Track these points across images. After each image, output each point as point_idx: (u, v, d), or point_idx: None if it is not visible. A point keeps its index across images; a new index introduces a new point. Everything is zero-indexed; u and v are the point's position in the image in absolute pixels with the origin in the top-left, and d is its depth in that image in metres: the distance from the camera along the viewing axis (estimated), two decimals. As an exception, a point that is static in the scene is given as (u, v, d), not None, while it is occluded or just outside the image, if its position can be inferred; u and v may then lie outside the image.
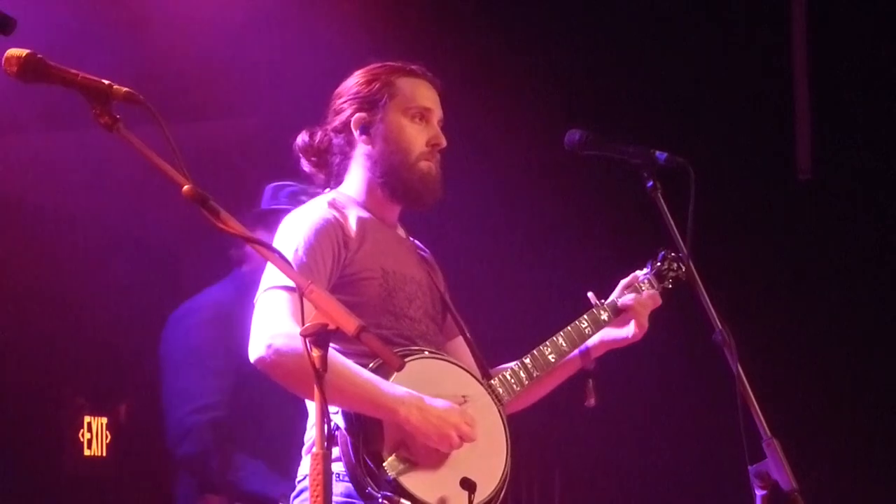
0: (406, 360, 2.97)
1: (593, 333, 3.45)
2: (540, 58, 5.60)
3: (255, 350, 2.96)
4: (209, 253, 4.45)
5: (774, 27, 5.66)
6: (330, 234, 3.11)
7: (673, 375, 5.42)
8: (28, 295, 5.00)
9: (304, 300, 2.33)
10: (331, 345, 2.35)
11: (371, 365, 2.99)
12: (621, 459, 5.65)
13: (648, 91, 5.58)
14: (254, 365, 4.11)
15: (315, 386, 2.31)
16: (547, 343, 3.36)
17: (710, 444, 5.10)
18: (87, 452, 5.28)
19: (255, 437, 4.09)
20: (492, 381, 3.24)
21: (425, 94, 3.31)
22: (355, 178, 3.30)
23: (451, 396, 3.06)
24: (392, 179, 3.26)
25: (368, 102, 3.26)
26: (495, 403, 3.19)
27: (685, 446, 5.47)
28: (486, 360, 3.35)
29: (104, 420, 5.34)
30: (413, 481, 2.92)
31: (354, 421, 2.95)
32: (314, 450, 2.31)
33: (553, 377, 3.42)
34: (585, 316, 3.45)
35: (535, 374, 3.31)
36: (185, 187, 2.29)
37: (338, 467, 2.92)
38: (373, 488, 2.89)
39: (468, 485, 2.96)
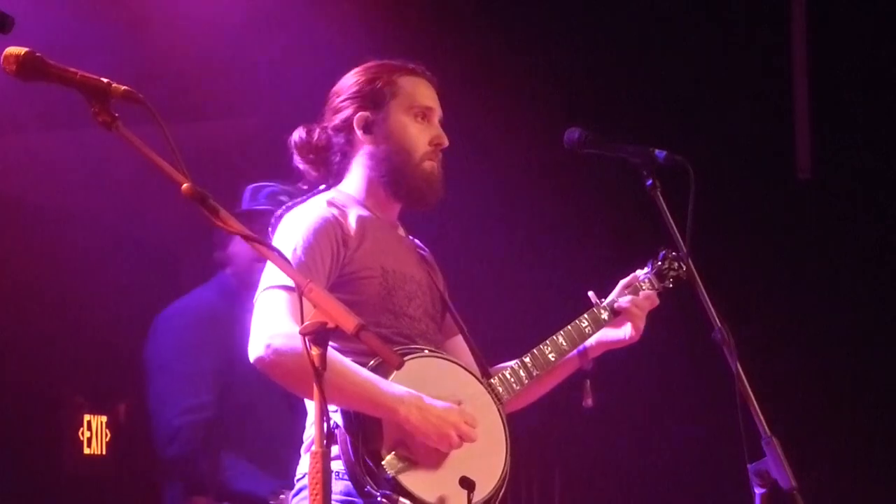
0: (405, 358, 2.96)
1: (593, 333, 3.44)
2: (540, 58, 5.61)
3: (255, 350, 2.96)
4: (209, 252, 4.45)
5: (774, 27, 5.66)
6: (329, 232, 3.11)
7: (672, 374, 5.42)
8: (28, 294, 5.01)
9: (304, 299, 2.33)
10: (330, 343, 2.35)
11: (370, 363, 2.98)
12: (621, 458, 5.65)
13: (648, 90, 5.58)
14: (250, 364, 4.13)
15: (314, 385, 2.31)
16: (547, 342, 3.36)
17: (710, 442, 5.10)
18: (86, 451, 5.28)
19: (244, 437, 4.09)
20: (491, 380, 3.24)
21: (426, 93, 3.31)
22: (356, 177, 3.29)
23: (450, 395, 3.06)
24: (395, 179, 3.26)
25: (371, 101, 3.26)
26: (495, 402, 3.19)
27: (685, 445, 5.48)
28: (486, 359, 3.35)
29: (104, 418, 5.34)
30: (412, 480, 2.92)
31: (354, 419, 2.95)
32: (313, 448, 2.31)
33: (552, 377, 3.42)
34: (586, 315, 3.45)
35: (534, 374, 3.30)
36: (185, 186, 2.29)
37: (337, 466, 2.92)
38: (372, 487, 2.89)
39: (467, 484, 2.96)
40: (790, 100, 5.63)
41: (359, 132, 3.27)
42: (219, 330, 4.13)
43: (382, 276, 3.16)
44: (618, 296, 3.51)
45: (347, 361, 2.94)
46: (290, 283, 2.52)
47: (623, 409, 5.16)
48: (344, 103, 3.29)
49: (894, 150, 5.53)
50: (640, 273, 3.58)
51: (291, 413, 4.11)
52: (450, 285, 3.46)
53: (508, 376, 3.27)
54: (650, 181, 3.29)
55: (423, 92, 3.31)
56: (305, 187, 3.32)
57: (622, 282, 3.56)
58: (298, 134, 3.32)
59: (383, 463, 2.91)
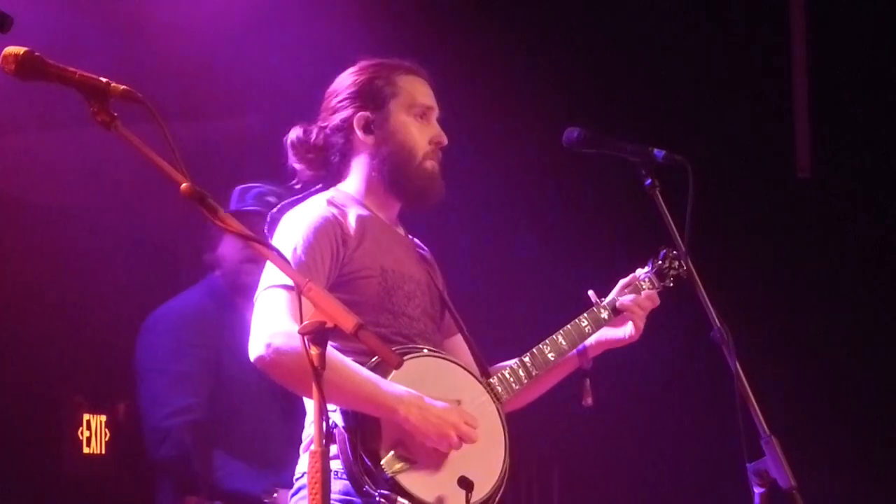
0: (404, 358, 2.97)
1: (593, 332, 3.44)
2: (540, 58, 5.61)
3: (255, 349, 2.96)
4: (199, 254, 4.46)
5: (774, 26, 5.67)
6: (329, 232, 3.11)
7: (672, 373, 5.42)
8: (27, 293, 5.00)
9: (303, 298, 2.33)
10: (330, 343, 2.35)
11: (369, 363, 2.98)
12: (620, 457, 5.65)
13: (648, 90, 5.59)
14: (239, 364, 4.14)
15: (313, 384, 2.31)
16: (547, 341, 3.36)
17: (709, 441, 5.10)
18: (86, 450, 5.28)
19: (235, 436, 4.10)
20: (490, 380, 3.24)
21: (426, 92, 3.32)
22: (355, 177, 3.29)
23: (449, 395, 3.06)
24: (397, 179, 3.26)
25: (370, 101, 3.26)
26: (494, 402, 3.19)
27: (684, 444, 5.48)
28: (485, 359, 3.35)
29: (103, 418, 5.33)
30: (411, 480, 2.93)
31: (352, 419, 2.95)
32: (312, 447, 2.31)
33: (551, 376, 3.42)
34: (586, 314, 3.45)
35: (534, 373, 3.30)
36: (183, 185, 2.29)
37: (335, 465, 2.91)
38: (370, 486, 2.89)
39: (466, 484, 2.96)
40: (790, 99, 5.64)
41: (359, 132, 3.26)
42: (207, 331, 4.15)
43: (381, 275, 3.16)
44: (617, 295, 3.51)
45: (348, 361, 2.94)
46: (290, 281, 2.52)
47: (622, 408, 5.16)
48: (342, 103, 3.28)
49: (894, 149, 5.54)
50: (640, 272, 3.59)
51: (284, 413, 4.12)
52: (449, 285, 3.46)
53: (507, 376, 3.26)
54: (649, 180, 3.30)
55: (422, 91, 3.31)
56: (298, 187, 3.32)
57: (622, 281, 3.56)
58: (295, 133, 3.32)
59: (382, 463, 2.91)
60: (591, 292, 3.49)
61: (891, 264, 5.57)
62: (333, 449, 2.91)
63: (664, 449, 5.58)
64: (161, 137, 2.26)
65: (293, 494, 3.12)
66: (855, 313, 5.52)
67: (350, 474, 2.92)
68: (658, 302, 3.51)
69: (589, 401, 3.42)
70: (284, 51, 5.19)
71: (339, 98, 3.29)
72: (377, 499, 2.89)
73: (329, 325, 2.30)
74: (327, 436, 2.31)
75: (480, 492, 3.01)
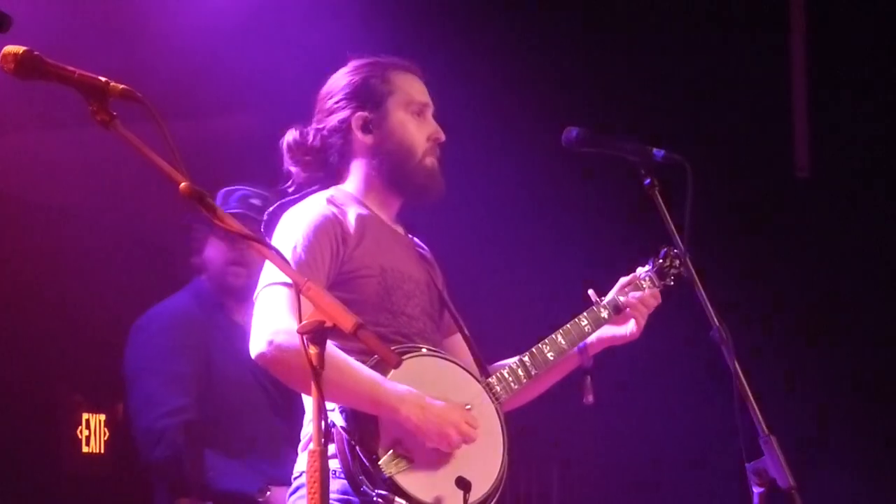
0: (403, 357, 2.97)
1: (593, 331, 3.45)
2: (540, 58, 5.61)
3: (256, 346, 2.96)
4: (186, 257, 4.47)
5: (773, 26, 5.67)
6: (329, 230, 3.11)
7: (670, 372, 5.42)
8: (27, 293, 5.01)
9: (302, 297, 2.33)
10: (330, 342, 2.35)
11: (368, 362, 2.98)
12: (619, 455, 5.66)
13: (647, 89, 5.59)
14: (228, 365, 4.16)
15: (313, 382, 2.31)
16: (546, 341, 3.36)
17: (708, 441, 5.11)
18: (85, 449, 5.29)
19: (227, 436, 4.10)
20: (489, 380, 3.24)
21: (420, 89, 3.33)
22: (355, 176, 3.30)
23: (447, 395, 3.06)
24: (398, 176, 3.27)
25: (367, 100, 3.26)
26: (492, 402, 3.19)
27: (683, 444, 5.48)
28: (485, 358, 3.36)
29: (102, 417, 5.35)
30: (408, 480, 2.92)
31: (351, 418, 2.95)
32: (311, 446, 2.31)
33: (551, 374, 3.42)
34: (585, 314, 3.45)
35: (533, 373, 3.30)
36: (182, 185, 2.29)
37: (334, 464, 2.90)
38: (368, 486, 2.89)
39: (463, 484, 2.96)
40: (788, 99, 5.64)
41: (358, 133, 3.27)
42: (194, 333, 4.17)
43: (381, 274, 3.16)
44: (617, 294, 3.51)
45: (349, 359, 2.94)
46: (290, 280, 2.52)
47: (621, 406, 5.16)
48: (339, 104, 3.28)
49: (892, 148, 5.54)
50: (640, 271, 3.59)
51: (279, 410, 4.13)
52: (449, 284, 3.46)
53: (507, 375, 3.26)
54: (648, 180, 3.29)
55: (417, 88, 3.32)
56: (292, 189, 3.32)
57: (622, 279, 3.56)
58: (292, 136, 3.31)
59: (380, 462, 2.91)
60: (590, 291, 3.50)
61: (890, 263, 5.57)
62: (332, 448, 2.91)
63: (663, 448, 5.58)
64: (160, 137, 2.27)
65: (291, 493, 3.12)
66: (853, 312, 5.52)
67: (348, 474, 2.92)
68: (660, 300, 3.52)
69: (590, 398, 3.42)
70: (284, 50, 5.19)
71: (335, 99, 3.29)
72: (375, 499, 2.89)
73: (328, 324, 2.30)
74: (326, 435, 2.31)
75: (478, 492, 3.01)
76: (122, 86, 2.30)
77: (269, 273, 3.03)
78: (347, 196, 3.26)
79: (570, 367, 3.45)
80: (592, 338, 3.46)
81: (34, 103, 4.59)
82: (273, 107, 5.15)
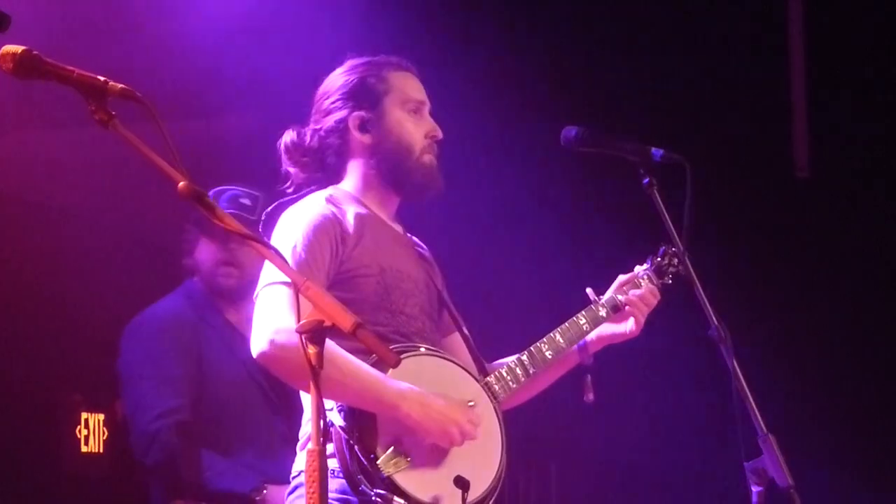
0: (402, 356, 2.97)
1: (591, 330, 3.45)
2: (540, 57, 5.61)
3: (258, 345, 2.96)
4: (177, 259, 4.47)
5: (772, 25, 5.67)
6: (328, 230, 3.12)
7: (669, 371, 5.42)
8: (26, 292, 5.01)
9: (300, 297, 2.34)
10: (331, 340, 2.35)
11: (367, 362, 2.98)
12: (618, 454, 5.65)
13: (646, 89, 5.59)
14: (220, 365, 4.16)
15: (312, 382, 2.31)
16: (545, 340, 3.36)
17: (707, 439, 5.11)
18: (84, 449, 5.28)
19: (221, 436, 4.11)
20: (488, 379, 3.24)
21: (416, 87, 3.33)
22: (353, 175, 3.30)
23: (449, 394, 3.06)
24: (397, 175, 3.27)
25: (364, 100, 3.27)
26: (491, 401, 3.19)
27: (682, 442, 5.48)
28: (484, 356, 3.36)
29: (101, 416, 5.34)
30: (407, 479, 2.93)
31: (349, 417, 2.95)
32: (310, 446, 2.31)
33: (550, 372, 3.42)
34: (583, 312, 3.45)
35: (531, 372, 3.31)
36: (181, 184, 2.29)
37: (332, 464, 2.91)
38: (366, 486, 2.89)
39: (462, 483, 2.96)
40: (788, 98, 5.64)
41: (355, 132, 3.27)
42: (186, 335, 4.17)
43: (380, 274, 3.17)
44: (616, 292, 3.52)
45: (351, 357, 2.94)
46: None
47: (620, 405, 5.15)
48: (335, 104, 3.29)
49: (892, 148, 5.54)
50: (639, 269, 3.60)
51: (276, 407, 4.13)
52: (448, 283, 3.46)
53: (505, 374, 3.27)
54: (647, 179, 3.30)
55: (413, 86, 3.33)
56: (291, 189, 3.32)
57: (621, 278, 3.57)
58: (289, 137, 3.32)
59: (378, 462, 2.91)
60: (589, 290, 3.50)
61: (889, 263, 5.57)
62: (330, 447, 2.92)
63: (661, 447, 5.58)
64: (159, 136, 2.27)
65: (290, 493, 3.12)
66: (853, 312, 5.52)
67: (346, 473, 2.92)
68: (659, 297, 3.53)
69: (590, 397, 3.43)
70: (283, 50, 5.19)
71: (332, 99, 3.30)
72: (373, 498, 2.89)
73: (327, 323, 2.30)
74: (324, 434, 2.31)
75: (476, 491, 3.01)
76: (120, 85, 2.30)
77: (270, 272, 3.03)
78: (346, 195, 3.27)
79: (568, 365, 3.46)
80: (592, 336, 3.46)
81: (34, 103, 4.59)
82: (272, 107, 5.15)
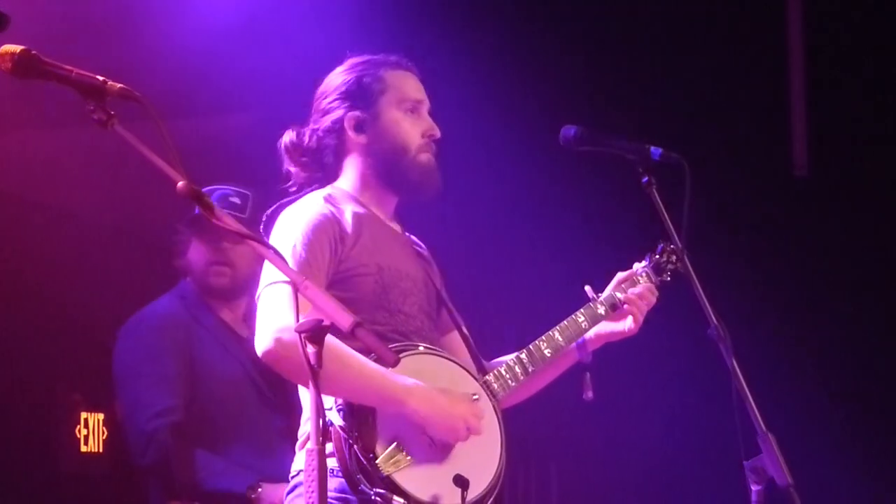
0: (401, 355, 2.96)
1: (590, 328, 3.46)
2: (539, 57, 5.61)
3: (262, 345, 2.96)
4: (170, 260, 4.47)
5: (771, 24, 5.67)
6: (327, 229, 3.12)
7: (669, 370, 5.42)
8: (25, 291, 5.01)
9: (299, 296, 2.34)
10: (334, 338, 2.35)
11: (366, 361, 2.99)
12: (617, 453, 5.66)
13: (646, 88, 5.59)
14: (214, 365, 4.16)
15: (311, 381, 2.32)
16: (543, 338, 3.36)
17: (706, 438, 5.10)
18: (83, 449, 5.28)
19: (218, 435, 4.11)
20: (487, 377, 3.24)
21: (414, 86, 3.33)
22: (351, 174, 3.31)
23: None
24: (393, 175, 3.27)
25: (360, 99, 3.27)
26: (490, 399, 3.19)
27: (681, 441, 5.48)
28: (483, 355, 3.36)
29: (101, 416, 5.34)
30: (406, 478, 2.93)
31: (349, 416, 2.95)
32: (309, 445, 2.31)
33: (549, 371, 3.43)
34: (582, 310, 3.46)
35: (530, 370, 3.31)
36: (180, 184, 2.29)
37: (331, 463, 2.91)
38: (366, 485, 2.89)
39: (461, 482, 2.96)
40: (786, 97, 5.64)
41: (351, 132, 3.28)
42: (179, 335, 4.18)
43: (378, 273, 3.17)
44: (614, 290, 3.52)
45: (354, 353, 2.94)
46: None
47: (620, 403, 5.16)
48: (332, 104, 3.29)
49: (891, 148, 5.54)
50: (637, 267, 3.60)
51: (273, 405, 4.13)
52: (447, 282, 3.47)
53: (504, 373, 3.27)
54: (646, 178, 3.30)
55: (410, 85, 3.32)
56: (293, 189, 3.32)
57: (619, 275, 3.57)
58: (289, 137, 3.33)
59: (378, 461, 2.91)
60: (587, 288, 3.51)
61: (888, 262, 5.57)
62: (329, 447, 2.92)
63: (661, 446, 5.58)
64: (158, 136, 2.27)
65: (289, 492, 3.12)
66: (852, 310, 5.52)
67: (346, 472, 2.92)
68: (657, 295, 3.53)
69: (590, 394, 3.43)
70: (283, 50, 5.19)
71: (329, 99, 3.30)
72: (373, 497, 2.89)
73: (326, 323, 2.30)
74: (324, 433, 2.31)
75: (476, 490, 3.01)
76: (119, 85, 2.31)
77: (270, 272, 3.03)
78: (344, 194, 3.27)
79: (567, 363, 3.46)
80: (591, 334, 3.47)
81: (33, 103, 4.59)
82: (272, 107, 5.15)
